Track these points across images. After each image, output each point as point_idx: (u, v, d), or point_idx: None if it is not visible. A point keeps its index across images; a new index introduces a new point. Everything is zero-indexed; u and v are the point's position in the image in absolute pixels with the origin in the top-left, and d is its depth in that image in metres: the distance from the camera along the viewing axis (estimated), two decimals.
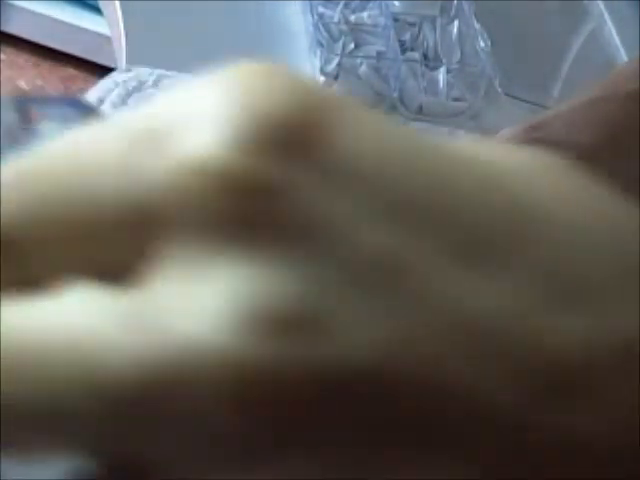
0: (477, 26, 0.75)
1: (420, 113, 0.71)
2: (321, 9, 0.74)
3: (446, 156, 0.20)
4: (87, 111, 0.23)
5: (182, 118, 0.19)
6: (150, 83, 0.68)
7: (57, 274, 0.19)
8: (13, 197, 0.19)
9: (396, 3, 0.76)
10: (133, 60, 0.70)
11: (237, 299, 0.18)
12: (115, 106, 0.66)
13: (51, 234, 0.19)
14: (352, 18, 0.74)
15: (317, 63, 0.71)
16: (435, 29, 0.76)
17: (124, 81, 0.68)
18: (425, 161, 0.19)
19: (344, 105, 0.19)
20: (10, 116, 0.22)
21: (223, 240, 0.18)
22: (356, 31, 0.73)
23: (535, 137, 0.62)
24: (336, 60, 0.71)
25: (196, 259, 0.18)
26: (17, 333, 0.19)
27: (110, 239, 0.19)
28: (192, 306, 0.18)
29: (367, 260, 0.18)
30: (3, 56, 0.90)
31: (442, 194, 0.19)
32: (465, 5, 0.77)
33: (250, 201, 0.18)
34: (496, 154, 0.21)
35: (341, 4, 0.75)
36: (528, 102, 0.74)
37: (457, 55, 0.74)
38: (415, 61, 0.73)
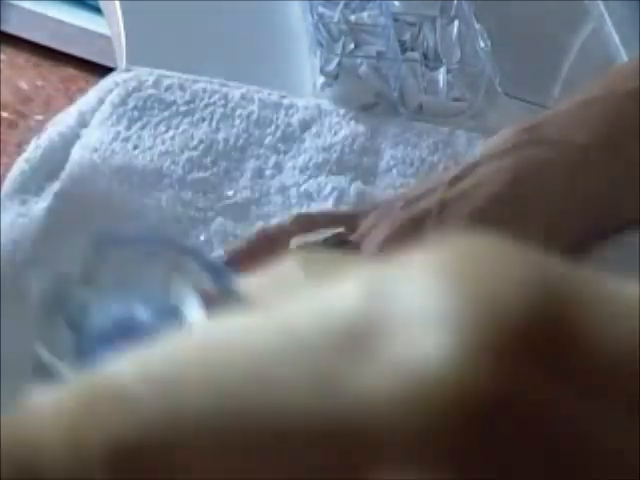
0: (477, 26, 0.75)
1: (420, 113, 0.71)
2: (321, 9, 0.74)
3: None
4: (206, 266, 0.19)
5: (388, 315, 0.14)
6: (150, 83, 0.68)
7: None
8: (149, 402, 0.15)
9: (396, 3, 0.76)
10: (133, 60, 0.70)
11: None
12: (115, 106, 0.66)
13: (202, 457, 0.15)
14: (352, 18, 0.74)
15: (317, 63, 0.71)
16: (435, 29, 0.76)
17: (124, 81, 0.68)
18: None
19: (580, 286, 0.15)
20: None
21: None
22: (356, 31, 0.73)
23: (532, 137, 0.62)
24: (336, 60, 0.71)
25: None
26: None
27: (292, 463, 0.15)
28: None
29: None
30: (3, 56, 0.90)
31: None
32: (465, 5, 0.77)
33: (502, 433, 0.14)
34: None
35: (341, 4, 0.75)
36: (528, 102, 0.74)
37: (457, 55, 0.74)
38: (415, 61, 0.73)
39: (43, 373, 0.19)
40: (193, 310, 0.19)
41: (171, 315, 0.18)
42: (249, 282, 0.20)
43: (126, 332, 0.18)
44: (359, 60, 0.71)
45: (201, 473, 0.15)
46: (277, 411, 0.14)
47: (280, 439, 0.14)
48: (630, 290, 0.16)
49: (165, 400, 0.15)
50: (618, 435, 0.14)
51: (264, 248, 0.59)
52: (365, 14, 0.75)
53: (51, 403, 0.17)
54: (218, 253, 0.59)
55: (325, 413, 0.14)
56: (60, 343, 0.19)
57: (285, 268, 0.21)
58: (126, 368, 0.16)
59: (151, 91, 0.68)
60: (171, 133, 0.65)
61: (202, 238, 0.60)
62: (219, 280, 0.20)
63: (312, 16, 0.73)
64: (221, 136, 0.66)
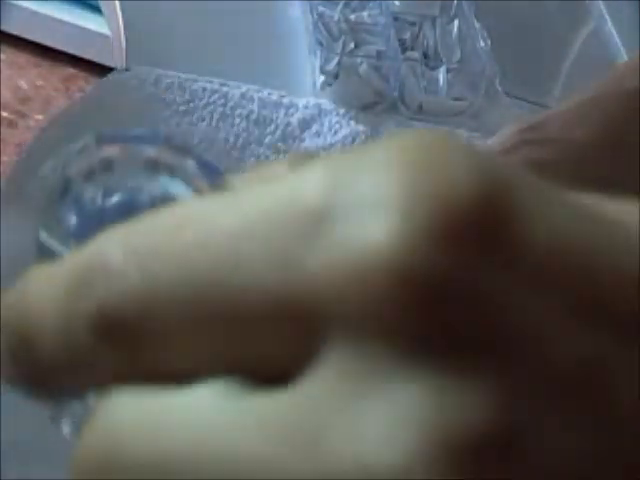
0: (477, 26, 0.75)
1: (420, 112, 0.71)
2: (321, 8, 0.74)
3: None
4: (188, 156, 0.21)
5: (344, 201, 0.16)
6: (150, 83, 0.68)
7: (178, 368, 0.17)
8: (131, 273, 0.17)
9: (396, 2, 0.76)
10: (133, 60, 0.70)
11: (421, 426, 0.15)
12: (115, 106, 0.66)
13: (177, 323, 0.17)
14: (352, 17, 0.74)
15: (317, 62, 0.71)
16: (435, 28, 0.76)
17: (124, 80, 0.68)
18: (626, 249, 0.17)
19: (525, 182, 0.17)
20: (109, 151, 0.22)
21: (398, 351, 0.15)
22: (356, 30, 0.73)
23: (532, 137, 0.62)
24: (336, 59, 0.71)
25: (360, 369, 0.15)
26: (131, 431, 0.17)
27: (254, 333, 0.16)
28: (363, 429, 0.15)
29: (572, 377, 0.16)
30: (3, 56, 0.90)
31: None
32: (465, 5, 0.77)
33: (436, 308, 0.15)
34: None
35: (341, 3, 0.75)
36: (528, 102, 0.74)
37: (457, 54, 0.74)
38: (415, 60, 0.73)
39: (47, 258, 0.21)
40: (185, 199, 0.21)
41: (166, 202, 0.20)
42: (240, 178, 0.22)
43: (125, 216, 0.19)
44: (359, 59, 0.71)
45: (176, 341, 0.17)
46: (241, 283, 0.16)
47: (243, 308, 0.16)
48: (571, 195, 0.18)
49: (144, 272, 0.17)
50: (551, 326, 0.15)
51: None
52: (365, 13, 0.75)
53: (47, 276, 0.19)
54: None
55: (282, 286, 0.16)
56: (63, 229, 0.21)
57: (274, 167, 0.22)
58: (112, 242, 0.18)
59: (151, 90, 0.68)
60: (171, 133, 0.65)
61: None
62: (213, 178, 0.21)
63: (312, 15, 0.73)
64: (221, 135, 0.66)
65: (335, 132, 0.68)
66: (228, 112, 0.67)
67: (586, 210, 0.18)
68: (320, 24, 0.73)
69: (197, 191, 0.20)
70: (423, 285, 0.15)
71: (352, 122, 0.69)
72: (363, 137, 0.68)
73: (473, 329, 0.15)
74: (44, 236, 0.22)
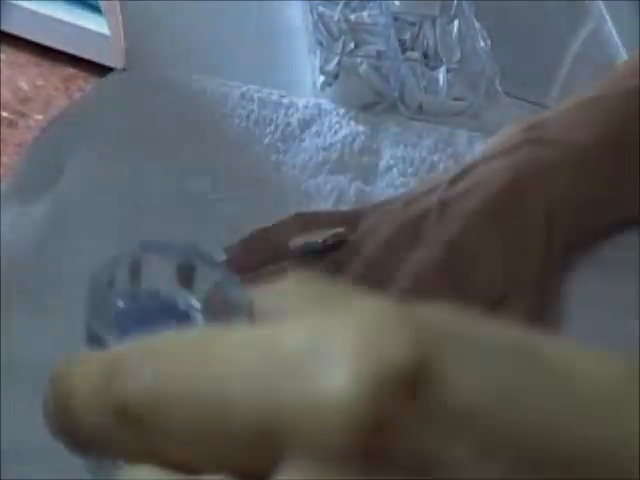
0: (477, 26, 0.75)
1: (420, 112, 0.71)
2: (321, 8, 0.74)
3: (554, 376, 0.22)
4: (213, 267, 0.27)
5: (314, 355, 0.21)
6: (150, 83, 0.68)
7: (182, 458, 0.22)
8: (146, 380, 0.23)
9: (396, 2, 0.76)
10: (133, 60, 0.70)
11: None
12: (115, 106, 0.66)
13: (174, 420, 0.22)
14: (352, 17, 0.74)
15: (317, 62, 0.71)
16: (435, 29, 0.76)
17: (124, 80, 0.68)
18: (541, 392, 0.22)
19: (455, 340, 0.22)
20: (123, 274, 0.27)
21: (343, 472, 0.21)
22: (356, 30, 0.73)
23: (532, 137, 0.62)
24: (336, 59, 0.71)
25: None
26: None
27: (235, 449, 0.22)
28: None
29: None
30: (3, 56, 0.90)
31: (552, 442, 0.21)
32: (465, 5, 0.77)
33: (372, 439, 0.21)
34: (591, 368, 0.23)
35: (341, 3, 0.75)
36: (528, 102, 0.74)
37: (457, 55, 0.74)
38: (415, 60, 0.73)
39: (94, 343, 0.26)
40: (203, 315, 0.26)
41: (186, 315, 0.26)
42: (255, 295, 0.26)
43: (156, 316, 0.26)
44: (359, 59, 0.71)
45: (177, 439, 0.22)
46: (226, 407, 0.21)
47: (228, 430, 0.21)
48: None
49: (156, 381, 0.22)
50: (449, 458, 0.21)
51: (263, 248, 0.59)
52: (365, 13, 0.75)
53: (89, 362, 0.24)
54: (217, 253, 0.59)
55: (259, 419, 0.21)
56: (107, 320, 0.26)
57: (283, 288, 0.27)
58: (137, 351, 0.23)
59: (151, 90, 0.68)
60: (171, 133, 0.65)
61: (202, 238, 0.60)
62: (232, 292, 0.26)
63: (312, 15, 0.73)
64: (221, 135, 0.66)
65: (335, 132, 0.68)
66: (228, 112, 0.67)
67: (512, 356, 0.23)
68: (320, 24, 0.73)
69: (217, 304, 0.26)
70: (362, 427, 0.20)
71: (352, 122, 0.69)
72: (363, 137, 0.68)
73: (394, 455, 0.21)
74: (93, 324, 0.26)
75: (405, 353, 0.21)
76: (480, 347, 0.22)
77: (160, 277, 0.27)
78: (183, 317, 0.26)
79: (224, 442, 0.22)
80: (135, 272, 0.27)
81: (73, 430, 0.24)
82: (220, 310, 0.26)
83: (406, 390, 0.21)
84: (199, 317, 0.26)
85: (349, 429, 0.20)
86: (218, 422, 0.22)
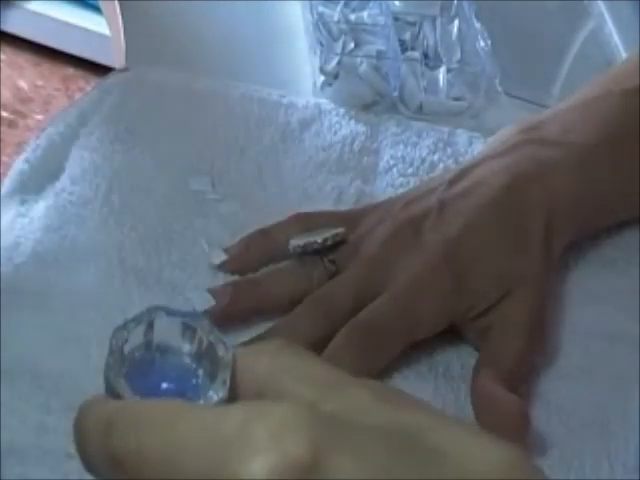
0: (477, 26, 0.75)
1: (420, 112, 0.71)
2: (321, 8, 0.74)
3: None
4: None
5: (245, 439, 0.29)
6: (150, 83, 0.68)
7: None
8: (129, 439, 0.31)
9: (396, 2, 0.76)
10: (133, 60, 0.70)
11: None
12: (115, 105, 0.66)
13: (150, 475, 0.30)
14: (352, 17, 0.74)
15: (317, 62, 0.71)
16: (435, 28, 0.76)
17: (124, 80, 0.68)
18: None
19: (346, 434, 0.29)
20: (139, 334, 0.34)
21: None
22: (356, 30, 0.73)
23: (532, 137, 0.62)
24: (336, 59, 0.71)
25: None
26: None
27: None
28: None
29: None
30: (3, 56, 0.90)
31: None
32: (465, 5, 0.77)
33: None
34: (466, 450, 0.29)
35: (341, 3, 0.75)
36: (528, 101, 0.74)
37: (457, 54, 0.74)
38: (415, 60, 0.73)
39: (111, 391, 0.33)
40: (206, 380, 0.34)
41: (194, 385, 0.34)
42: (236, 354, 0.34)
43: (166, 366, 0.34)
44: (359, 59, 0.71)
45: None
46: (183, 475, 0.29)
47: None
48: None
49: (138, 443, 0.30)
50: None
51: (263, 248, 0.59)
52: (365, 13, 0.75)
53: (100, 410, 0.33)
54: (217, 253, 0.59)
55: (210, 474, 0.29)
56: (121, 373, 0.33)
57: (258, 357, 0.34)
58: (129, 412, 0.31)
59: (151, 90, 0.68)
60: (170, 133, 0.65)
61: (201, 237, 0.60)
62: (220, 349, 0.34)
63: (312, 15, 0.73)
64: (221, 135, 0.66)
65: (335, 132, 0.68)
66: (228, 112, 0.67)
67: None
68: (320, 24, 0.73)
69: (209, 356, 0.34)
70: None
71: (352, 122, 0.69)
72: (363, 137, 0.68)
73: None
74: (109, 375, 0.33)
75: (302, 451, 0.28)
76: (368, 437, 0.29)
77: (168, 333, 0.34)
78: (185, 368, 0.34)
79: None
80: (148, 329, 0.34)
81: (86, 459, 0.32)
82: (212, 361, 0.34)
83: None
84: (197, 369, 0.34)
85: None
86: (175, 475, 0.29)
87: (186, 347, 0.34)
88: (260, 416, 0.29)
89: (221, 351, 0.33)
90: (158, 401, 0.31)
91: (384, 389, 0.33)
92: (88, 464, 0.32)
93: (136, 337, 0.34)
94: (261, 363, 0.33)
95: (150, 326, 0.34)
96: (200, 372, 0.34)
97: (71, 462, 0.48)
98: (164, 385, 0.33)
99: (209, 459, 0.29)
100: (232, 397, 0.33)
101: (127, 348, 0.33)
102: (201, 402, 0.33)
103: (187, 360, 0.34)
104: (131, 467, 0.31)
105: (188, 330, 0.34)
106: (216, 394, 0.33)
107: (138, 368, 0.33)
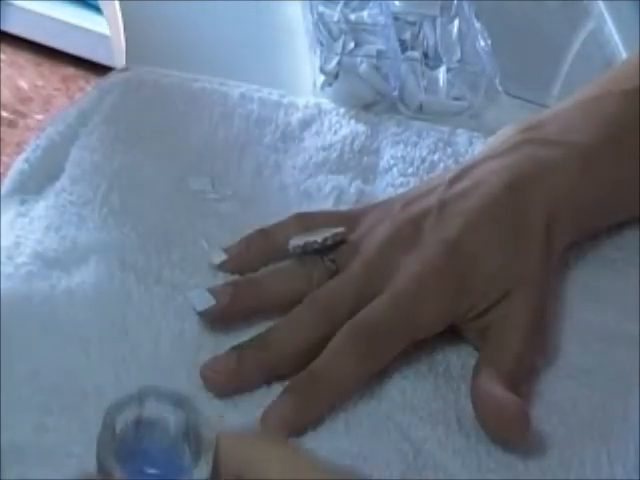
0: (477, 25, 0.75)
1: (420, 112, 0.71)
2: (321, 8, 0.74)
3: None
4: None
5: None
6: (150, 83, 0.68)
7: None
8: None
9: (396, 2, 0.76)
10: (133, 60, 0.70)
11: None
12: (115, 105, 0.66)
13: None
14: (352, 17, 0.74)
15: (317, 62, 0.71)
16: (435, 28, 0.76)
17: (124, 80, 0.68)
18: None
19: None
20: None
21: None
22: (356, 30, 0.73)
23: (532, 137, 0.62)
24: (336, 59, 0.71)
25: None
26: None
27: None
28: None
29: None
30: (3, 56, 0.90)
31: None
32: (465, 4, 0.77)
33: None
34: None
35: (341, 3, 0.75)
36: (528, 101, 0.74)
37: (457, 54, 0.74)
38: (415, 60, 0.73)
39: (100, 470, 0.35)
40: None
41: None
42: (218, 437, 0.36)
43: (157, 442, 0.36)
44: (359, 59, 0.71)
45: None
46: None
47: None
48: None
49: None
50: None
51: (263, 248, 0.59)
52: (365, 13, 0.75)
53: None
54: (217, 253, 0.59)
55: None
56: (113, 449, 0.35)
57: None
58: None
59: (151, 90, 0.68)
60: (170, 132, 0.65)
61: (201, 237, 0.60)
62: (204, 430, 0.36)
63: (312, 15, 0.73)
64: (220, 135, 0.66)
65: (335, 132, 0.68)
66: (228, 112, 0.67)
67: None
68: (320, 24, 0.73)
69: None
70: None
71: (352, 122, 0.69)
72: (363, 137, 0.68)
73: None
74: (100, 453, 0.35)
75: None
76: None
77: (157, 413, 0.36)
78: (172, 448, 0.36)
79: None
80: (139, 408, 0.36)
81: None
82: (197, 441, 0.35)
83: None
84: (183, 449, 0.36)
85: None
86: None
87: (173, 427, 0.36)
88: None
89: (206, 432, 0.36)
90: None
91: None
92: None
93: (127, 415, 0.36)
94: (241, 448, 0.36)
95: (141, 405, 0.36)
96: (186, 451, 0.36)
97: (71, 462, 0.48)
98: (150, 470, 0.35)
99: None
100: (214, 477, 0.35)
101: (118, 426, 0.35)
102: None
103: (174, 439, 0.36)
104: None
105: (176, 410, 0.36)
106: (200, 474, 0.35)
107: (127, 447, 0.35)
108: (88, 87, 0.69)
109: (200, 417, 0.36)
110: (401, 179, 0.66)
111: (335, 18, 0.74)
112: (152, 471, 0.35)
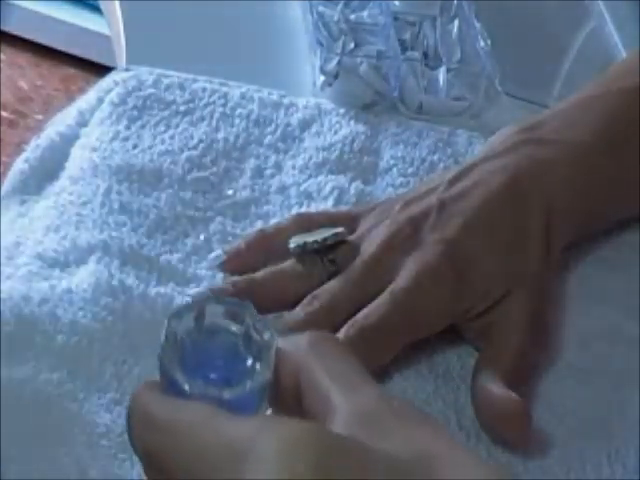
0: (477, 25, 0.75)
1: (420, 112, 0.71)
2: (321, 8, 0.74)
3: None
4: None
5: (253, 454, 0.30)
6: (150, 82, 0.68)
7: None
8: (156, 441, 0.33)
9: (396, 2, 0.76)
10: (133, 60, 0.70)
11: None
12: (115, 105, 0.66)
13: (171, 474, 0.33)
14: (352, 17, 0.74)
15: (317, 62, 0.71)
16: (435, 28, 0.76)
17: (124, 80, 0.68)
18: None
19: (351, 468, 0.30)
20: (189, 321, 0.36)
21: None
22: (356, 30, 0.73)
23: (532, 137, 0.62)
24: (336, 59, 0.71)
25: None
26: None
27: None
28: None
29: None
30: (3, 56, 0.90)
31: None
32: (465, 5, 0.77)
33: None
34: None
35: (341, 3, 0.75)
36: (528, 101, 0.74)
37: (457, 54, 0.74)
38: (415, 60, 0.73)
39: (163, 377, 0.35)
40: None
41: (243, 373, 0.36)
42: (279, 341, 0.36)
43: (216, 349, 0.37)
44: (359, 59, 0.71)
45: None
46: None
47: None
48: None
49: (162, 448, 0.34)
50: None
51: (263, 248, 0.59)
52: (365, 13, 0.75)
53: (138, 405, 0.36)
54: (217, 253, 0.59)
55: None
56: (176, 358, 0.35)
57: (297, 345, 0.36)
58: (159, 419, 0.34)
59: (151, 90, 0.68)
60: (171, 132, 0.65)
61: (201, 237, 0.60)
62: (265, 334, 0.36)
63: (312, 15, 0.73)
64: (221, 135, 0.66)
65: (335, 132, 0.68)
66: (228, 112, 0.67)
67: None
68: (320, 24, 0.73)
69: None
70: None
71: (352, 122, 0.69)
72: (363, 137, 0.68)
73: None
74: (164, 360, 0.35)
75: (307, 470, 0.29)
76: (373, 461, 0.30)
77: (218, 319, 0.37)
78: (234, 351, 0.36)
79: None
80: (199, 315, 0.36)
81: (129, 439, 0.35)
82: (258, 345, 0.36)
83: None
84: (245, 352, 0.36)
85: None
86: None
87: (235, 330, 0.36)
88: (271, 433, 0.31)
89: (267, 335, 0.36)
90: (190, 406, 0.33)
91: (400, 402, 0.34)
92: (130, 444, 0.35)
93: (188, 322, 0.36)
94: (300, 349, 0.35)
95: (201, 312, 0.36)
96: (247, 355, 0.36)
97: (71, 462, 0.48)
98: (212, 375, 0.35)
99: (221, 471, 0.31)
100: (275, 381, 0.35)
101: (179, 334, 0.36)
102: (247, 384, 0.35)
103: (235, 342, 0.36)
104: (156, 464, 0.33)
105: (236, 316, 0.36)
106: (261, 377, 0.35)
107: (189, 353, 0.36)
108: (88, 87, 0.69)
109: (260, 321, 0.36)
110: (401, 179, 0.66)
111: (335, 18, 0.74)
112: (214, 376, 0.36)
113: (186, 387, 0.34)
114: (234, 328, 0.36)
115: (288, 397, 0.36)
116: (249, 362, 0.36)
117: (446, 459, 0.31)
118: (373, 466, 0.30)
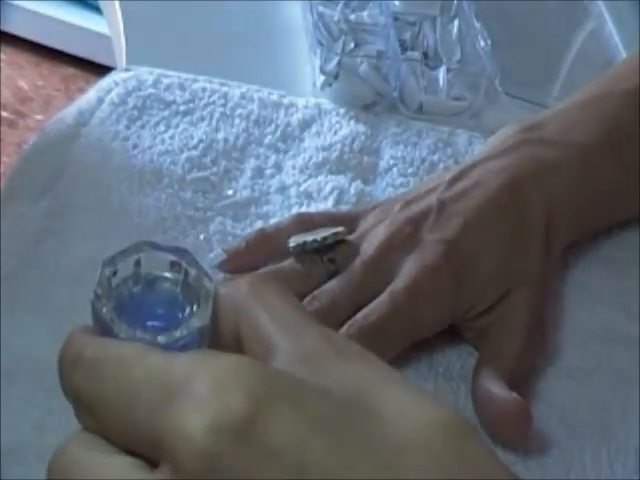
0: (477, 25, 0.75)
1: (420, 112, 0.71)
2: (321, 8, 0.74)
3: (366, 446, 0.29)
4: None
5: (188, 389, 0.29)
6: (150, 82, 0.68)
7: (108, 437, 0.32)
8: (90, 380, 0.32)
9: (396, 2, 0.76)
10: (133, 60, 0.70)
11: None
12: (115, 105, 0.66)
13: (103, 413, 0.32)
14: (352, 17, 0.74)
15: (317, 62, 0.71)
16: (435, 28, 0.76)
17: (124, 80, 0.68)
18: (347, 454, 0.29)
19: (285, 397, 0.29)
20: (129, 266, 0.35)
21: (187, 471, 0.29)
22: (356, 30, 0.73)
23: (532, 137, 0.62)
24: (336, 59, 0.71)
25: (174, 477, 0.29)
26: (65, 466, 0.32)
27: (134, 438, 0.31)
28: None
29: None
30: (3, 56, 0.90)
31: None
32: (465, 5, 0.77)
33: (208, 470, 0.28)
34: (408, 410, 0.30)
35: (341, 3, 0.75)
36: (528, 101, 0.74)
37: (457, 54, 0.74)
38: (415, 60, 0.73)
39: (96, 320, 0.34)
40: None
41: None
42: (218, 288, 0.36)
43: (153, 296, 0.35)
44: (359, 59, 0.71)
45: (106, 422, 0.32)
46: (132, 415, 0.31)
47: (132, 425, 0.31)
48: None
49: (97, 386, 0.32)
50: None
51: (263, 248, 0.59)
52: (365, 13, 0.75)
53: (71, 346, 0.34)
54: (217, 253, 0.59)
55: (148, 423, 0.30)
56: (110, 305, 0.34)
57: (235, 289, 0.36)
58: (92, 355, 0.33)
59: (151, 90, 0.68)
60: (171, 132, 0.65)
61: (201, 237, 0.60)
62: (205, 282, 0.35)
63: (312, 15, 0.73)
64: (221, 135, 0.66)
65: (335, 132, 0.68)
66: (228, 112, 0.67)
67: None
68: (320, 24, 0.73)
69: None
70: (203, 459, 0.28)
71: (352, 122, 0.69)
72: (363, 137, 0.68)
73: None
74: (97, 306, 0.34)
75: (240, 403, 0.29)
76: (311, 393, 0.30)
77: (155, 266, 0.35)
78: (172, 298, 0.35)
79: (132, 434, 0.31)
80: (136, 262, 0.35)
81: (61, 386, 0.33)
82: (197, 292, 0.35)
83: (238, 433, 0.28)
84: (183, 299, 0.35)
85: (194, 460, 0.28)
86: (129, 422, 0.31)
87: (172, 278, 0.35)
88: (204, 367, 0.30)
89: (206, 282, 0.35)
90: (122, 344, 0.32)
91: (339, 338, 0.34)
92: (63, 391, 0.34)
93: (124, 270, 0.35)
94: (239, 292, 0.35)
95: (138, 259, 0.35)
96: (186, 303, 0.35)
97: None
98: (150, 323, 0.34)
99: (154, 409, 0.30)
100: (214, 325, 0.35)
101: (115, 281, 0.35)
102: (184, 331, 0.34)
103: (174, 290, 0.35)
104: (86, 405, 0.32)
105: (174, 263, 0.35)
106: (199, 322, 0.34)
107: (125, 301, 0.35)
108: (88, 87, 0.69)
109: (200, 267, 0.35)
110: (401, 179, 0.66)
111: (335, 18, 0.74)
112: (152, 323, 0.34)
113: (120, 333, 0.33)
114: (172, 276, 0.35)
115: (229, 343, 0.35)
116: (187, 310, 0.35)
117: (380, 394, 0.31)
118: (308, 400, 0.30)
